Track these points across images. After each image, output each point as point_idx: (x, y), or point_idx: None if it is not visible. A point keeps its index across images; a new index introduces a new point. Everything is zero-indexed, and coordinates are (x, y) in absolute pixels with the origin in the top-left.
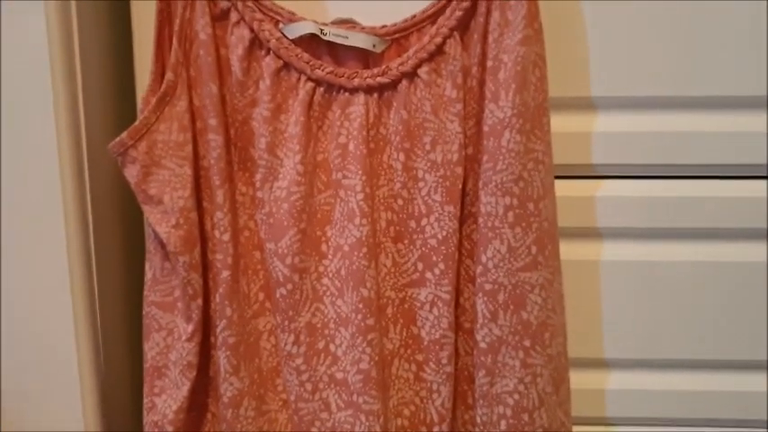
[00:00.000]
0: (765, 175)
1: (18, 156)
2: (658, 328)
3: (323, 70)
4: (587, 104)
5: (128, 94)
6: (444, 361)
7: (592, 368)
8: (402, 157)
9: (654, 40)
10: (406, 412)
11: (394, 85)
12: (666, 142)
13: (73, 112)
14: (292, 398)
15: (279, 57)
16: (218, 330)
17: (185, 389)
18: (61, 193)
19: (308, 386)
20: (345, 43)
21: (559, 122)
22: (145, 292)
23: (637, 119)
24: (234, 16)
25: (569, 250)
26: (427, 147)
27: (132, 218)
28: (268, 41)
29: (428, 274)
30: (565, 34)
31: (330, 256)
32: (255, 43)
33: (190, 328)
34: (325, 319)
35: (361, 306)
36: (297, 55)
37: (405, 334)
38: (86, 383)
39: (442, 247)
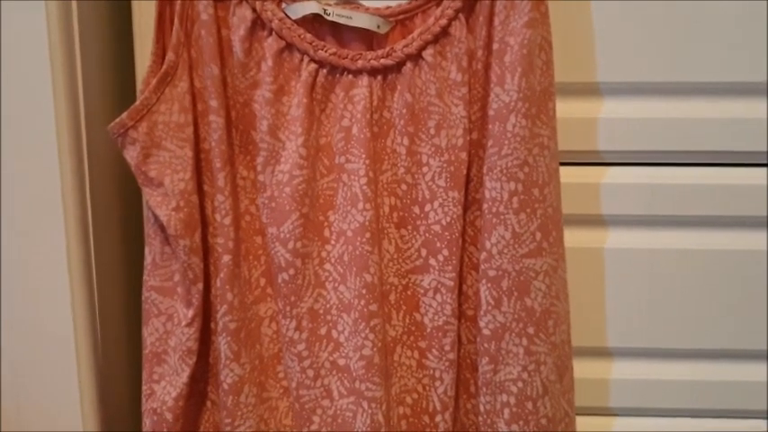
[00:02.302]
0: (766, 162)
1: (16, 139)
2: (661, 316)
3: (326, 51)
4: (592, 90)
5: (127, 76)
6: (447, 348)
7: (595, 357)
8: (406, 141)
9: (658, 27)
10: (409, 400)
11: (398, 67)
12: (671, 128)
13: (72, 94)
14: (293, 385)
15: (281, 37)
16: (218, 316)
17: (185, 375)
18: (60, 176)
19: (310, 373)
20: (349, 24)
21: (564, 108)
22: (144, 277)
23: (642, 105)
24: None
25: (573, 237)
26: (432, 131)
27: (131, 202)
28: (270, 22)
29: (432, 261)
30: (570, 19)
31: (333, 242)
32: (257, 24)
33: (190, 313)
34: (328, 305)
35: (364, 292)
36: (299, 36)
37: (407, 321)
38: (84, 370)
39: (446, 233)
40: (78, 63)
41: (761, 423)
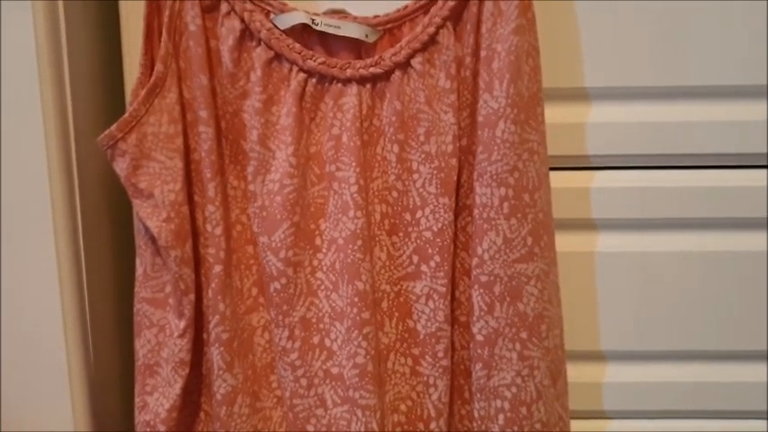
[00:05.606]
0: (765, 164)
1: (4, 152)
2: (656, 319)
3: (315, 61)
4: (581, 95)
5: (116, 88)
6: (440, 354)
7: (588, 361)
8: (396, 148)
9: (649, 30)
10: (403, 408)
11: (387, 75)
12: (662, 132)
13: (60, 107)
14: (287, 394)
15: (270, 47)
16: (210, 326)
17: (178, 387)
18: (49, 189)
19: (303, 382)
20: (338, 33)
21: (554, 113)
22: (135, 289)
23: (631, 109)
24: (224, 7)
25: (565, 242)
26: (421, 138)
27: (122, 214)
28: (259, 32)
29: (423, 267)
30: (558, 25)
31: (324, 250)
32: (246, 34)
33: (182, 324)
34: (320, 314)
35: (356, 299)
36: (288, 45)
37: (400, 328)
38: (76, 382)
39: (438, 240)
40: (66, 75)
41: (759, 424)
